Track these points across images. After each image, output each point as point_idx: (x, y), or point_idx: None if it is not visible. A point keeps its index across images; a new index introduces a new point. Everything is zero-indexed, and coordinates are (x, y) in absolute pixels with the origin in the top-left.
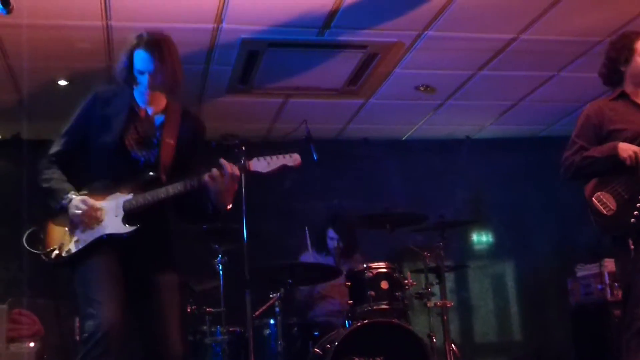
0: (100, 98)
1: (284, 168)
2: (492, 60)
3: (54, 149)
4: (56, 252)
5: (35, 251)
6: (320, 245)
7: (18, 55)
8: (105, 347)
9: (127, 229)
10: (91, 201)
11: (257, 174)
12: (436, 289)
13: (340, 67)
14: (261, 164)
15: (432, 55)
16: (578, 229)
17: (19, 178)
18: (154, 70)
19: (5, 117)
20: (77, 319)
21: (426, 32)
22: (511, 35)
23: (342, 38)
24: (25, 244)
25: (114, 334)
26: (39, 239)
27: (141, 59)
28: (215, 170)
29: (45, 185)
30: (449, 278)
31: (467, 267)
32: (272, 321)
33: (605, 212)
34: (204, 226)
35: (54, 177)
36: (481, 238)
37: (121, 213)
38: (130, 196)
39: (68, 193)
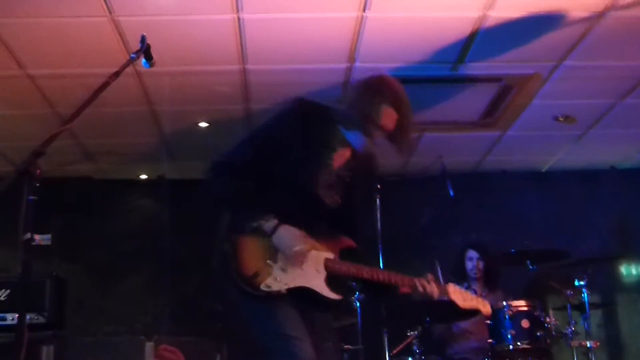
0: (303, 117)
1: (475, 311)
2: (636, 88)
3: (234, 156)
4: (253, 279)
5: (229, 273)
6: (458, 274)
7: (161, 101)
8: None
9: (332, 295)
10: (307, 245)
11: (453, 304)
12: (581, 327)
13: (475, 100)
14: (458, 297)
15: (571, 85)
16: None
17: (165, 217)
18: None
19: (150, 159)
20: (218, 356)
21: (564, 62)
22: None
23: (477, 72)
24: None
25: None
26: (227, 253)
27: (388, 116)
28: (420, 283)
29: (229, 195)
30: (595, 315)
31: (614, 305)
32: (410, 359)
33: None
34: None
35: (241, 189)
36: (630, 272)
37: (323, 272)
38: (331, 256)
39: (269, 215)
